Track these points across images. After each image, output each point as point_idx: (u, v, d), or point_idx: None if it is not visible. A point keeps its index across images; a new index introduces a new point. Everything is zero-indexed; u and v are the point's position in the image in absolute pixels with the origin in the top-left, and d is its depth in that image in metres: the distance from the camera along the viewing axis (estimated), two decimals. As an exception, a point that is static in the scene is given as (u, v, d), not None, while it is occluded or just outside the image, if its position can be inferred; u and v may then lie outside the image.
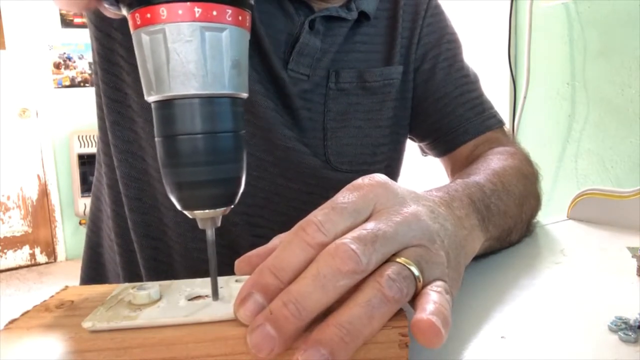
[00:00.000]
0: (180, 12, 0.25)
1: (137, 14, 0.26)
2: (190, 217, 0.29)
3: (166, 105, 0.27)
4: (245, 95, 0.29)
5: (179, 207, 0.29)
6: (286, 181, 0.57)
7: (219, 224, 0.29)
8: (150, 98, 0.28)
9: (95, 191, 0.65)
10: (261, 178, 0.56)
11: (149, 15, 0.25)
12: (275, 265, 0.26)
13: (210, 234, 0.29)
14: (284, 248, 0.27)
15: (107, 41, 0.54)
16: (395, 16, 0.63)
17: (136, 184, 0.56)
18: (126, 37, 0.52)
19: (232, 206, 0.29)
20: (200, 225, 0.29)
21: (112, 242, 0.61)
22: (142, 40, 0.26)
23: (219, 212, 0.29)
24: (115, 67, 0.54)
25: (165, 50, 0.26)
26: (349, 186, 0.31)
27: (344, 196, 0.29)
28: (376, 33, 0.62)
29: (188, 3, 0.25)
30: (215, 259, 0.29)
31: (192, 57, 0.26)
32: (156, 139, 0.28)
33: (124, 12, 0.27)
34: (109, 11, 0.29)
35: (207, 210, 0.28)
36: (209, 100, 0.27)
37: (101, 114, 0.57)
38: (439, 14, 0.67)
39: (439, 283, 0.28)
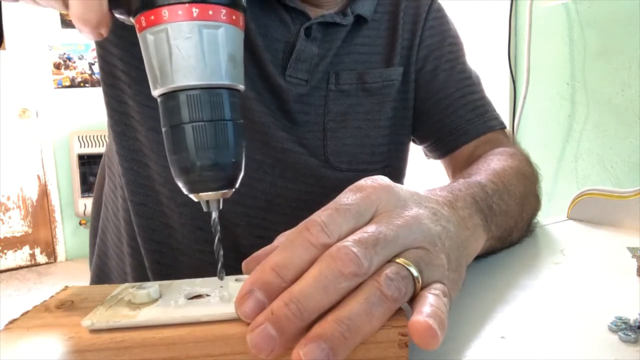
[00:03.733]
0: (180, 12, 0.28)
1: (142, 17, 0.29)
2: (196, 200, 0.31)
3: (171, 97, 0.30)
4: (241, 87, 0.31)
5: (185, 191, 0.31)
6: (286, 182, 0.58)
7: (221, 207, 0.32)
8: (156, 92, 0.30)
9: (105, 200, 0.67)
10: (261, 180, 0.57)
11: (152, 17, 0.28)
12: (278, 264, 0.26)
13: (214, 216, 0.32)
14: (287, 247, 0.27)
15: (108, 57, 0.56)
16: (396, 18, 0.63)
17: (142, 190, 0.57)
18: (124, 52, 0.55)
19: (234, 189, 0.32)
20: (205, 208, 0.32)
21: (119, 249, 0.63)
22: (148, 40, 0.29)
23: (222, 194, 0.31)
24: (116, 80, 0.56)
25: (168, 47, 0.29)
26: (352, 187, 0.31)
27: (347, 197, 0.29)
28: (377, 35, 0.63)
29: (187, 4, 0.28)
30: (220, 241, 0.32)
31: (192, 52, 0.29)
32: (163, 129, 0.31)
33: (131, 18, 0.30)
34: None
35: (211, 193, 0.31)
36: (208, 91, 0.29)
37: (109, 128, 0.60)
38: (441, 17, 0.67)
39: (437, 286, 0.28)
